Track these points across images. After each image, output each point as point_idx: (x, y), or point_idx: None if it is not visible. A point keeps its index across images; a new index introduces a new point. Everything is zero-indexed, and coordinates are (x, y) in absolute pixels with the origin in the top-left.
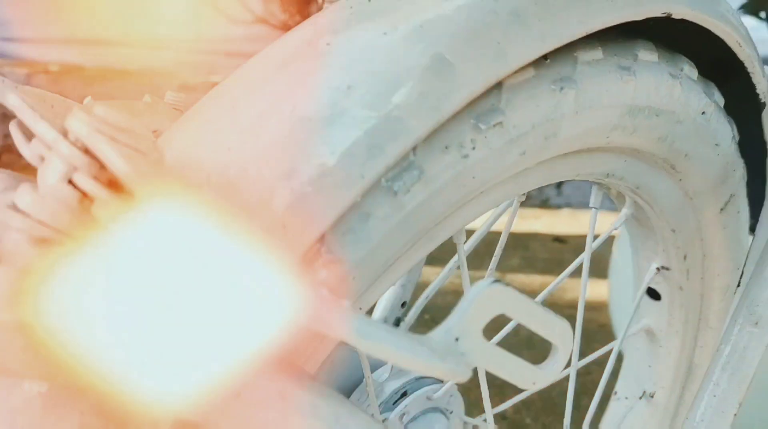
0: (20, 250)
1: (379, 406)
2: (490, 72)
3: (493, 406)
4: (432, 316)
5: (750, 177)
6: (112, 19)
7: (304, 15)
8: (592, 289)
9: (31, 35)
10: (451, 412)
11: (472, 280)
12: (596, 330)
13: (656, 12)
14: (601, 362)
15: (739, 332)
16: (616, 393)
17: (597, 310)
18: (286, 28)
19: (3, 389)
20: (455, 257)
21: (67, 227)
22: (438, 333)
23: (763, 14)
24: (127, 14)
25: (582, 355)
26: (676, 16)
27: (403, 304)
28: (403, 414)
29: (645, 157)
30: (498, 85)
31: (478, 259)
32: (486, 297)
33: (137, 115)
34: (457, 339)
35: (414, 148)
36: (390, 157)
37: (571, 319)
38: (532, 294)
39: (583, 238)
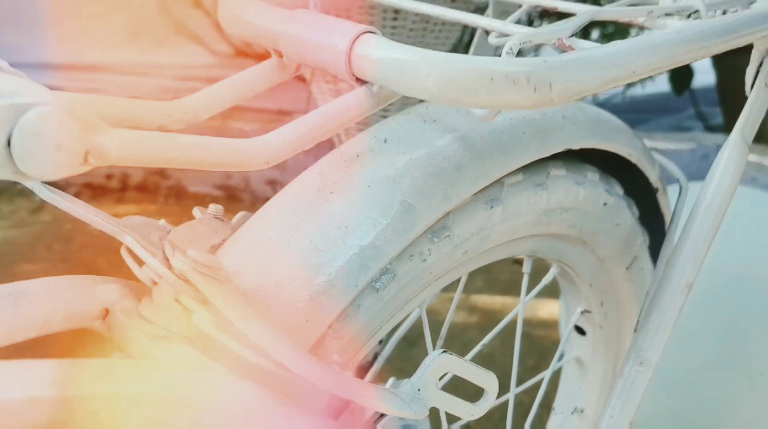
0: (142, 343)
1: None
2: (439, 210)
3: (457, 421)
4: (405, 335)
5: (654, 240)
6: (96, 45)
7: None
8: (547, 309)
9: (17, 60)
10: None
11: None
12: (550, 346)
13: (560, 149)
14: (552, 380)
15: (630, 369)
16: (554, 408)
17: (551, 327)
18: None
19: None
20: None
21: (177, 330)
22: (406, 386)
23: None
24: (110, 41)
25: (536, 367)
26: (575, 147)
27: (380, 342)
28: None
29: (562, 237)
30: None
31: None
32: (437, 362)
33: (197, 232)
34: (419, 390)
35: (390, 262)
36: (374, 271)
37: (525, 337)
38: (494, 313)
39: (541, 261)
